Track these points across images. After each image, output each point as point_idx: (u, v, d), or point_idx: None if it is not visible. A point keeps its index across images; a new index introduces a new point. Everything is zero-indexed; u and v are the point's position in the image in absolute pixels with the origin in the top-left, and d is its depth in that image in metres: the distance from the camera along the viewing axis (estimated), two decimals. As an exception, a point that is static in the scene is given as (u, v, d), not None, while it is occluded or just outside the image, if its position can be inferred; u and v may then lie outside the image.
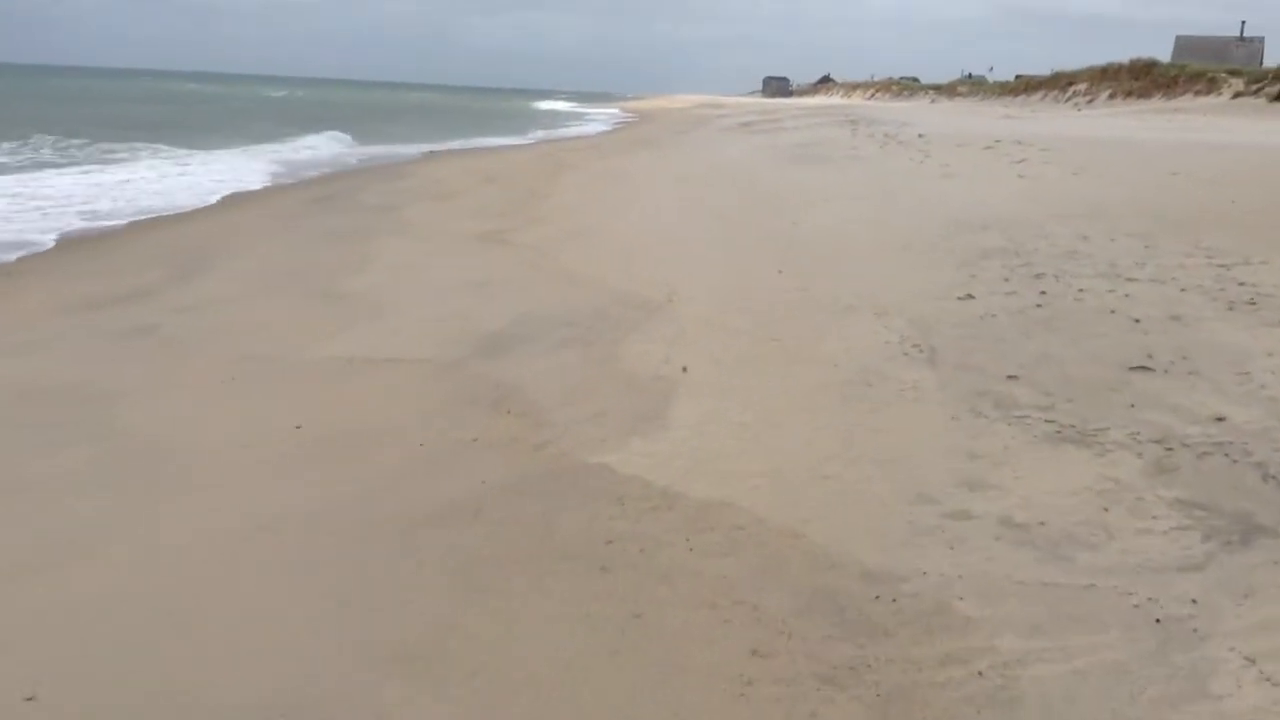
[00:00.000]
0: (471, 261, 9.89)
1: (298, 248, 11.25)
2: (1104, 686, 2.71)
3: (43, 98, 55.85)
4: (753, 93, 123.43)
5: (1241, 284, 6.51)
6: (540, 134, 40.83)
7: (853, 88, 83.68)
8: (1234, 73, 29.75)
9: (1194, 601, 3.01)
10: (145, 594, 3.53)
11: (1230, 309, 5.98)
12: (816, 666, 2.87)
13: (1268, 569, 3.17)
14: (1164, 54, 37.67)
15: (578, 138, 37.62)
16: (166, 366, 6.55)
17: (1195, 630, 2.89)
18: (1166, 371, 5.02)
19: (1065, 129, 21.40)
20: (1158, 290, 6.64)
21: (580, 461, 4.48)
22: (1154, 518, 3.53)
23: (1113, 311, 6.20)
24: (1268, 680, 2.65)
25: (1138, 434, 4.27)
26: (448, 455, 4.70)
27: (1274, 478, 3.77)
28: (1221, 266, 7.13)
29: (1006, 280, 7.20)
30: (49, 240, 11.91)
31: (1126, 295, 6.55)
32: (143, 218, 13.90)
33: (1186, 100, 29.36)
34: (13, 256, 10.91)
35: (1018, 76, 49.68)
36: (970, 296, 6.80)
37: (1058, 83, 39.31)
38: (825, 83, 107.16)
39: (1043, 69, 43.64)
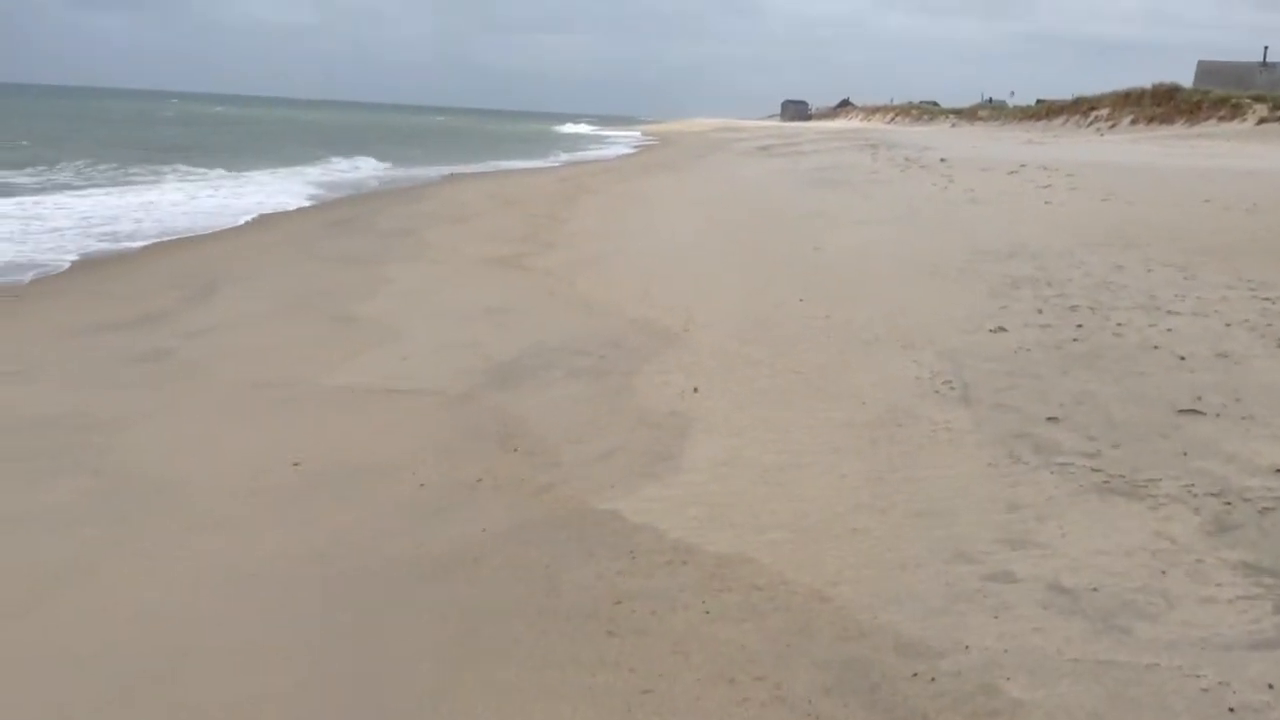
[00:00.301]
0: (486, 287, 9.66)
1: (314, 271, 11.07)
2: (1174, 786, 2.40)
3: (70, 118, 56.54)
4: (770, 116, 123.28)
5: (1291, 319, 6.18)
6: (565, 157, 40.87)
7: (872, 111, 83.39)
8: (1258, 98, 29.25)
9: (1270, 687, 2.68)
10: (117, 645, 3.27)
11: (1281, 346, 5.65)
12: (846, 755, 2.57)
13: (1350, 647, 2.84)
14: (1186, 79, 37.24)
15: (597, 161, 37.53)
16: (170, 395, 6.33)
17: (1274, 722, 2.57)
18: (1219, 415, 4.69)
19: (1089, 154, 21.04)
20: (1201, 324, 6.31)
21: (589, 507, 4.19)
22: (1217, 585, 3.20)
23: (1155, 347, 5.87)
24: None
25: (1192, 486, 3.94)
26: (450, 497, 4.42)
27: (1347, 538, 3.44)
28: (1266, 300, 6.80)
29: (1040, 312, 6.89)
30: (65, 261, 11.81)
31: (1168, 330, 6.22)
32: (164, 239, 13.81)
33: (1210, 126, 28.92)
34: (26, 277, 10.78)
35: (1039, 101, 49.29)
36: (1002, 329, 6.49)
37: (1079, 108, 38.90)
38: (844, 106, 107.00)
39: (1063, 93, 43.25)
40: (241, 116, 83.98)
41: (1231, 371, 5.35)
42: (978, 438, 4.59)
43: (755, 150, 33.68)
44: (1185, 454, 4.28)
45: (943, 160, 19.74)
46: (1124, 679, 2.75)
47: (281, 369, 6.80)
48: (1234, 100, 29.82)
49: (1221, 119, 29.29)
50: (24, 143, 32.07)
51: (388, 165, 30.55)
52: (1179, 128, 30.18)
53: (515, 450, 4.97)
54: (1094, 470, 4.15)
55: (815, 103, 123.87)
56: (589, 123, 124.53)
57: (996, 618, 3.11)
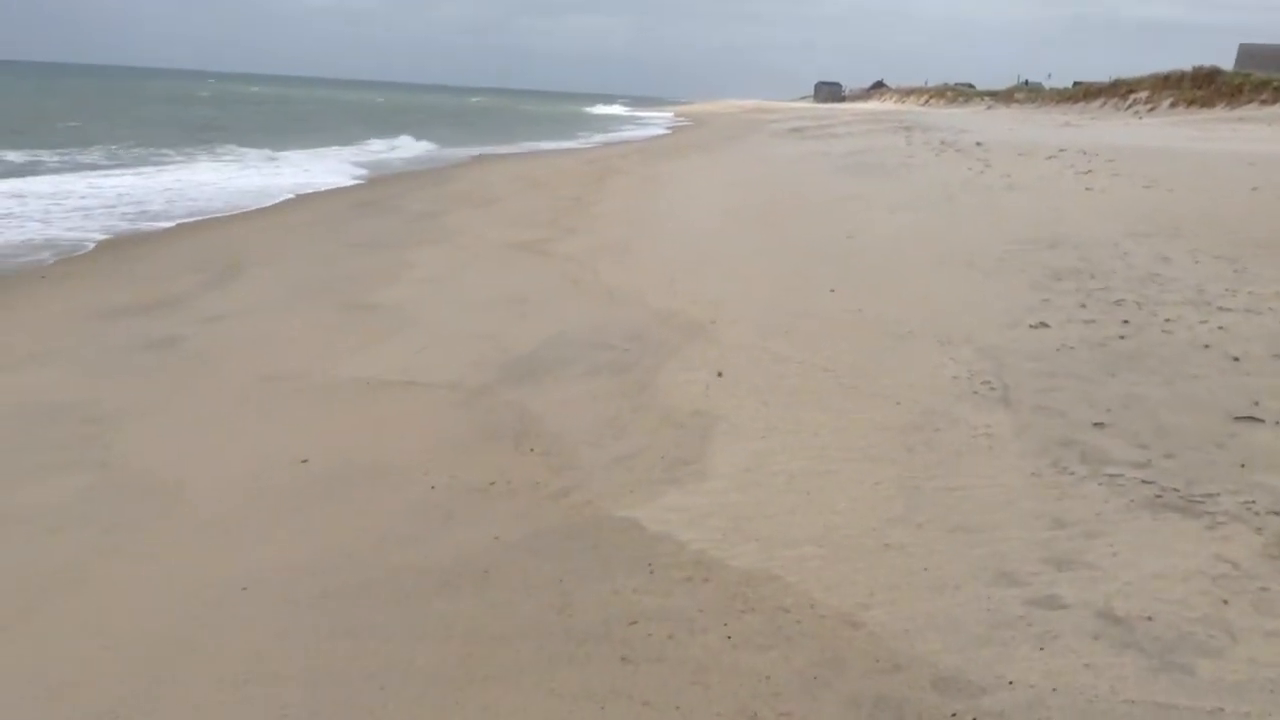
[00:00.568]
0: (507, 274, 9.46)
1: (337, 254, 10.93)
2: None
3: (110, 96, 56.92)
4: (804, 97, 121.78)
5: (1354, 318, 5.83)
6: (598, 138, 40.53)
7: (906, 93, 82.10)
8: (1300, 82, 28.44)
9: (1351, 738, 2.43)
10: (98, 667, 3.11)
11: (1344, 348, 5.32)
12: (878, 805, 2.34)
13: None
14: (1226, 62, 36.22)
15: (628, 142, 37.17)
16: (180, 385, 6.20)
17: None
18: (1279, 424, 4.39)
19: (1128, 138, 20.46)
20: (1255, 322, 5.98)
21: (606, 514, 3.97)
22: (1286, 616, 2.94)
23: (1207, 346, 5.56)
24: None
25: (1252, 503, 3.66)
26: (461, 501, 4.22)
27: None
28: (1326, 296, 6.44)
29: (1083, 306, 6.57)
30: (91, 241, 11.76)
31: (1220, 327, 5.90)
32: (191, 219, 13.74)
33: (1251, 110, 28.12)
34: (49, 258, 10.73)
35: (1076, 83, 48.23)
36: (1044, 325, 6.19)
37: (1118, 90, 38.03)
38: (878, 88, 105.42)
39: (1101, 76, 42.27)
40: (280, 96, 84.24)
41: (1291, 374, 5.03)
42: (1019, 445, 4.32)
43: (787, 132, 33.19)
44: (1243, 466, 3.99)
45: (979, 144, 19.26)
46: (1186, 727, 2.51)
47: (294, 359, 6.64)
48: (1276, 84, 29.00)
49: (1263, 102, 28.48)
50: (73, 123, 32.20)
51: (427, 145, 30.38)
52: (1219, 111, 29.39)
53: (531, 451, 4.76)
54: (1145, 483, 3.88)
55: (849, 84, 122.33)
56: (623, 104, 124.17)
57: (1043, 649, 2.86)
